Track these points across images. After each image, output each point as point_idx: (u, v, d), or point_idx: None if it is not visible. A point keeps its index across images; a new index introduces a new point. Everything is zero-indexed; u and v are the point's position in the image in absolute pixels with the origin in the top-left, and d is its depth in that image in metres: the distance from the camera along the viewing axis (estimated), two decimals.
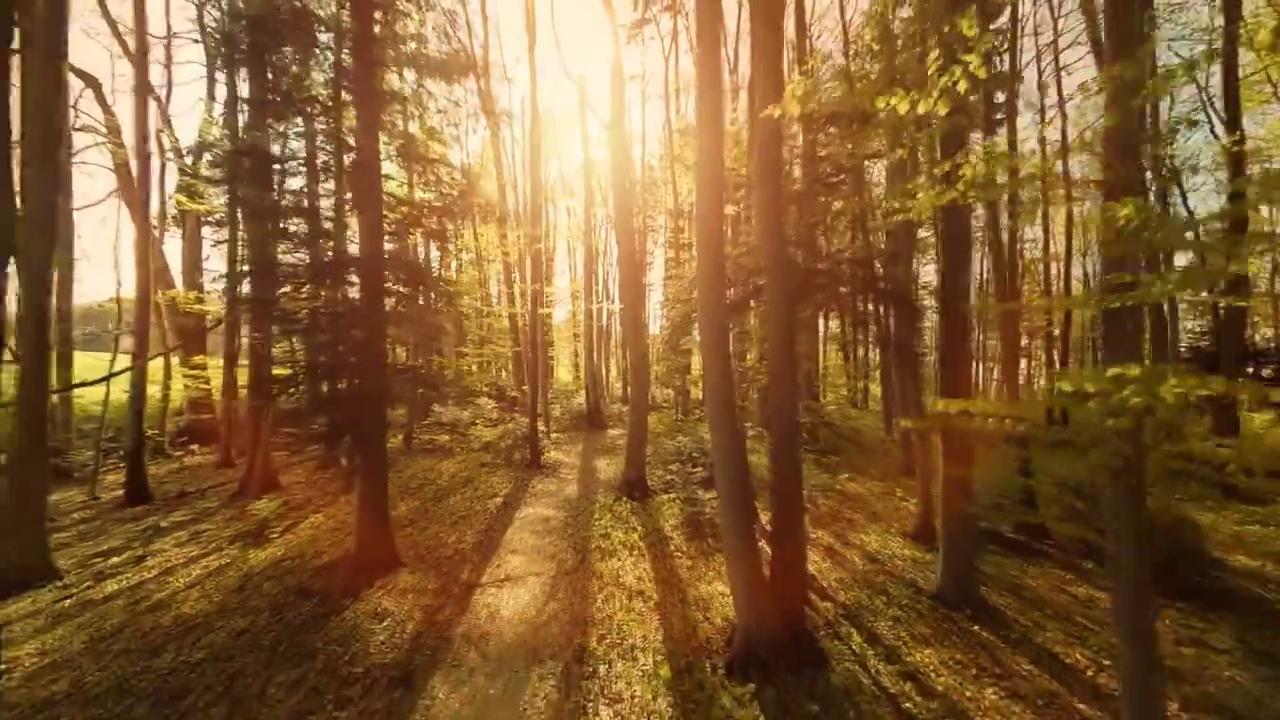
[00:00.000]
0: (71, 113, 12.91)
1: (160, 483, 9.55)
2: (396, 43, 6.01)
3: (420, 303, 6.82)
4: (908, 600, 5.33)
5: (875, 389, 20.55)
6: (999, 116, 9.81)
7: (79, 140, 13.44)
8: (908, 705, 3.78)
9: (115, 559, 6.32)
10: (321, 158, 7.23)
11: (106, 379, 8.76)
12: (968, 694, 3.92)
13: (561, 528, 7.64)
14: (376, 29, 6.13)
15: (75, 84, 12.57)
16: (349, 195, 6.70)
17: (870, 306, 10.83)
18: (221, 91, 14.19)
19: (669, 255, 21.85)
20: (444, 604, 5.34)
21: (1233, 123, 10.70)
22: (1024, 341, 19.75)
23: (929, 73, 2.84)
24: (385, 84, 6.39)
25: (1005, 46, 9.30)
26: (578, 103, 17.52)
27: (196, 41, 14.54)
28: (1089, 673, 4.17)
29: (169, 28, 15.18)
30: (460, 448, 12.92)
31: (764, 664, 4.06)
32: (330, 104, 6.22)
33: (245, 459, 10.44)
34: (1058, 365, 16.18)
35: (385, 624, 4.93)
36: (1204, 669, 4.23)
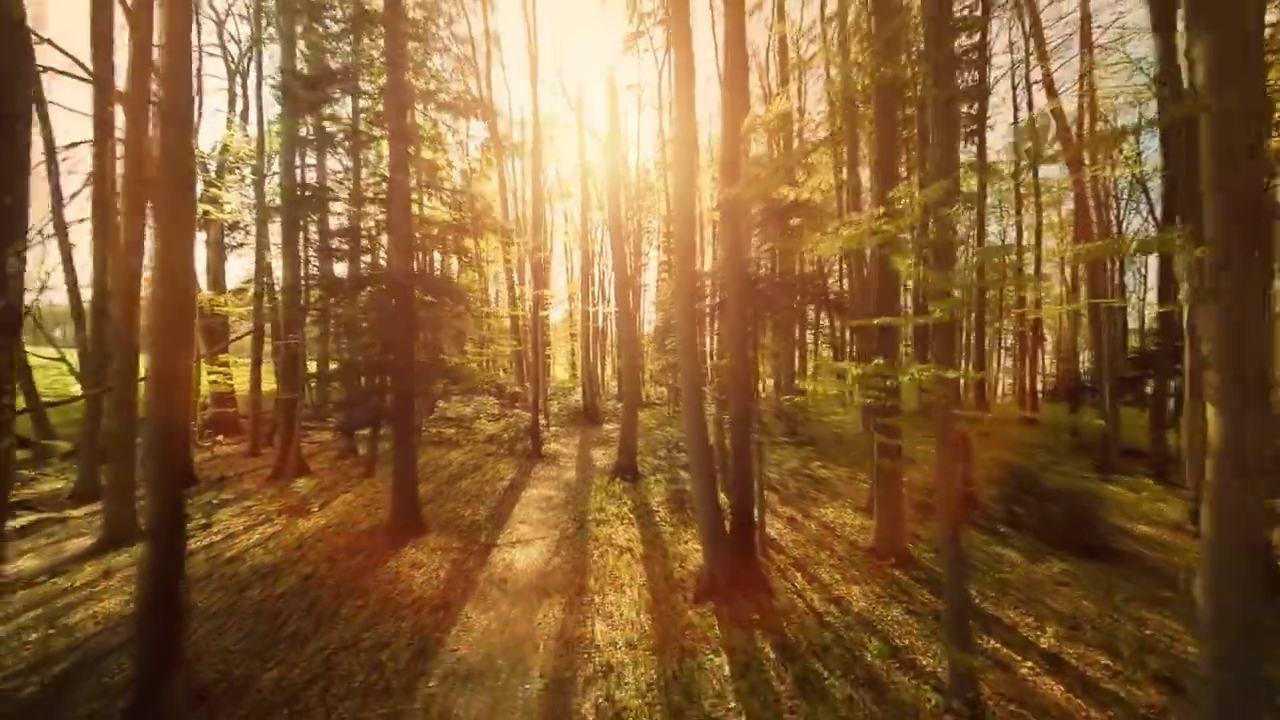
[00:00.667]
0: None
1: (199, 468, 10.77)
2: (426, 96, 7.25)
3: (443, 309, 8.07)
4: (846, 553, 6.65)
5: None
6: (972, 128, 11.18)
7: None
8: (829, 618, 5.08)
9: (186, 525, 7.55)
10: (351, 182, 8.47)
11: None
12: (877, 612, 5.22)
13: (562, 504, 8.93)
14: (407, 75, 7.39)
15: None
16: (382, 217, 7.93)
17: (823, 314, 12.15)
18: (238, 103, 15.52)
19: (662, 259, 23.13)
20: (467, 559, 6.62)
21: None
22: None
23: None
24: (411, 123, 7.65)
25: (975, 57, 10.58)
26: (576, 113, 18.80)
27: (215, 56, 15.86)
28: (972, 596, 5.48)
29: (200, 46, 16.38)
30: (466, 440, 14.17)
31: (722, 591, 5.36)
32: (368, 141, 7.46)
33: (271, 449, 11.69)
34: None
35: (422, 571, 6.21)
36: (1039, 586, 5.56)
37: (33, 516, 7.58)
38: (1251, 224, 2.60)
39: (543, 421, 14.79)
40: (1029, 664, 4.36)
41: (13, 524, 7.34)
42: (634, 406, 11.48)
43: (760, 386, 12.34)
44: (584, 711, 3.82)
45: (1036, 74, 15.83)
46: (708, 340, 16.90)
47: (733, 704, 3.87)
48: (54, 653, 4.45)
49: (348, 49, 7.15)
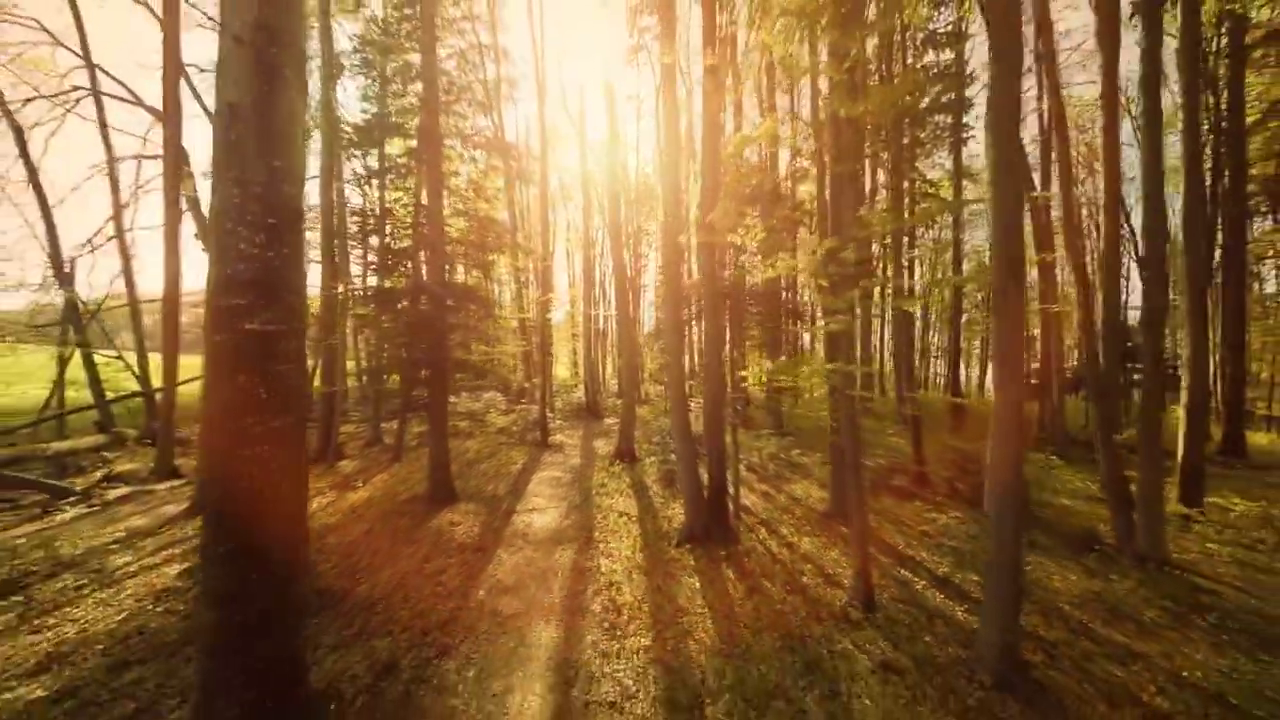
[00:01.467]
0: (143, 143, 15.77)
1: None
2: (459, 135, 8.88)
3: (469, 313, 9.70)
4: (804, 516, 8.26)
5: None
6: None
7: (153, 168, 16.23)
8: (780, 556, 6.69)
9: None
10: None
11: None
12: (818, 553, 6.82)
13: (570, 482, 10.55)
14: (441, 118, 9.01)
15: (146, 118, 15.43)
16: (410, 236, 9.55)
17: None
18: None
19: (659, 262, 24.76)
20: (494, 519, 8.24)
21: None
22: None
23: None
24: (443, 158, 9.28)
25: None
26: (578, 125, 20.40)
27: None
28: (898, 544, 7.09)
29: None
30: (479, 432, 15.80)
31: (699, 539, 6.98)
32: (408, 173, 9.09)
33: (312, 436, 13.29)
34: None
35: (459, 527, 7.83)
36: (954, 537, 7.16)
37: (127, 489, 9.21)
38: (1019, 271, 4.20)
39: (549, 415, 16.42)
40: (922, 583, 5.96)
41: (115, 493, 8.99)
42: (632, 403, 13.10)
43: (755, 384, 13.95)
44: (593, 608, 5.43)
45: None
46: (697, 337, 18.50)
47: (699, 602, 5.49)
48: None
49: (394, 96, 8.75)
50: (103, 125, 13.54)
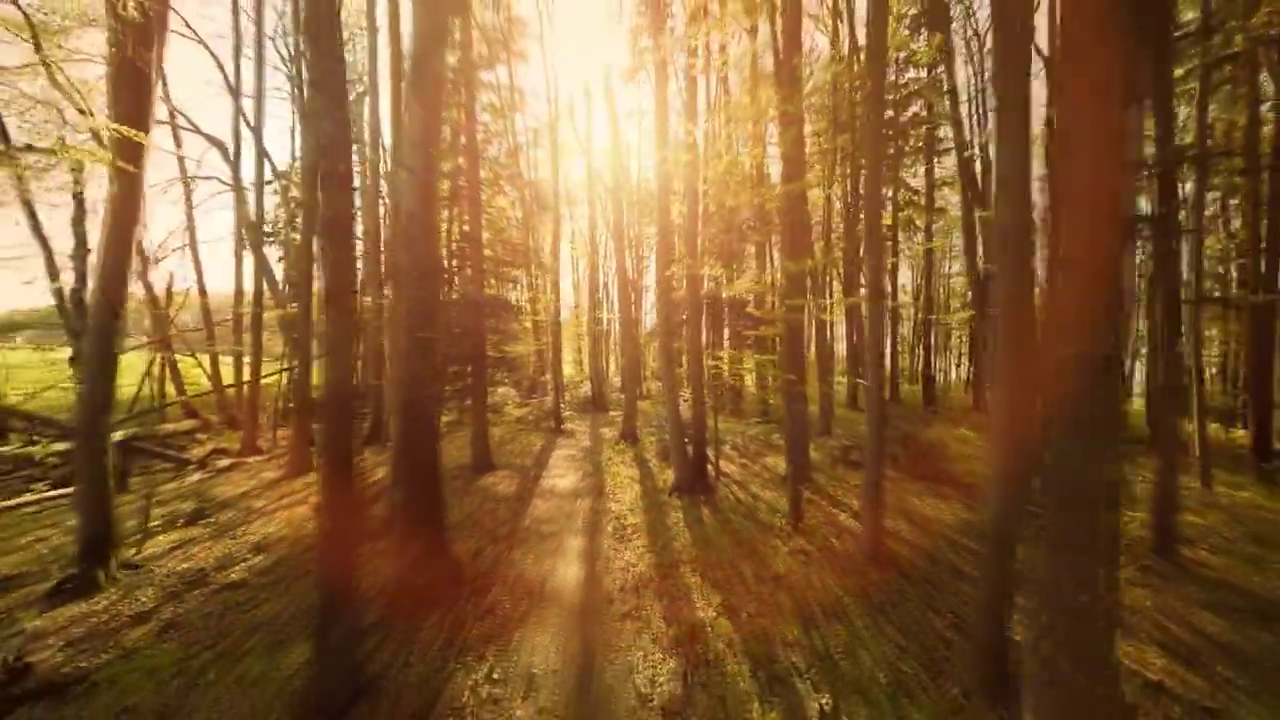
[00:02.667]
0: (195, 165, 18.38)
1: None
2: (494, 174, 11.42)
3: (498, 318, 12.24)
4: (769, 479, 10.79)
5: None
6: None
7: (208, 188, 18.83)
8: (744, 501, 9.22)
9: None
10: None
11: (289, 369, 14.20)
12: (774, 500, 9.34)
13: (583, 458, 13.10)
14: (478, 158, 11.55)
15: (202, 144, 18.03)
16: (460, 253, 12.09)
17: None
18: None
19: (657, 267, 27.26)
20: (526, 482, 10.79)
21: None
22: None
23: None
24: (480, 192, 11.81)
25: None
26: (585, 144, 22.95)
27: (282, 99, 20.09)
28: (837, 494, 9.60)
29: (260, 89, 20.65)
30: (499, 421, 18.36)
31: (684, 490, 9.52)
32: (451, 204, 11.63)
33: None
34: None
35: (500, 486, 10.38)
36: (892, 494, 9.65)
37: (228, 461, 11.78)
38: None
39: (561, 404, 18.97)
40: (843, 515, 8.49)
41: (221, 463, 11.56)
42: (633, 396, 15.67)
43: (729, 376, 16.50)
44: (607, 528, 7.97)
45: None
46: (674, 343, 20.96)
47: (681, 524, 8.03)
48: None
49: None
50: (179, 153, 16.12)
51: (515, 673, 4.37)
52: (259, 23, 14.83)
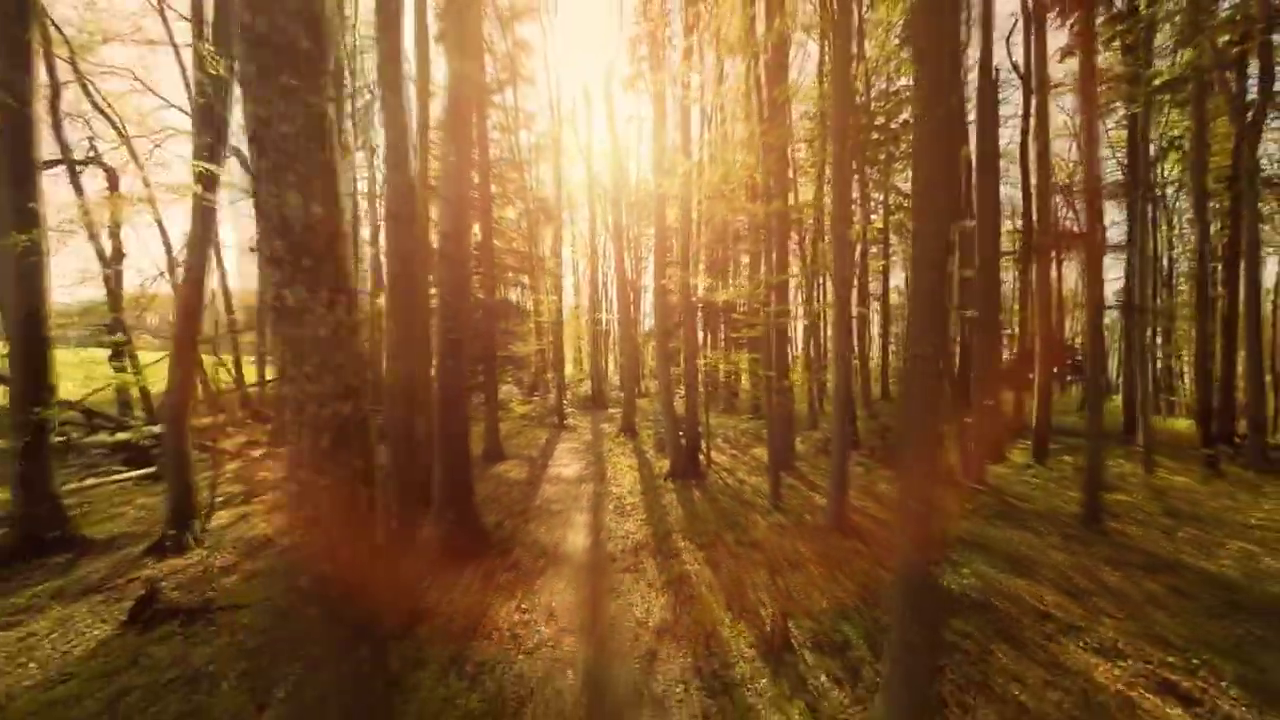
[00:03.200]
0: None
1: None
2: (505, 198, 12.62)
3: (508, 320, 13.42)
4: (755, 466, 12.00)
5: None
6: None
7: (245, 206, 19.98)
8: (732, 485, 10.42)
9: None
10: None
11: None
12: (758, 485, 10.54)
13: (586, 449, 14.29)
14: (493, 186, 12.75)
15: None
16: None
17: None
18: None
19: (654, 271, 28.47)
20: (535, 470, 11.98)
21: None
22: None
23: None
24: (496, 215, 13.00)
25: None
26: (586, 152, 24.16)
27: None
28: (815, 480, 10.80)
29: None
30: (505, 416, 19.54)
31: (678, 475, 10.73)
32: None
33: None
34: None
35: (511, 473, 11.57)
36: (857, 477, 10.87)
37: (260, 451, 12.95)
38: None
39: (564, 401, 20.17)
40: (819, 497, 9.68)
41: (256, 453, 12.73)
42: (632, 395, 16.90)
43: (723, 375, 17.71)
44: (609, 507, 9.16)
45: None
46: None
47: (675, 503, 9.23)
48: None
49: None
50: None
51: (539, 606, 5.56)
52: None
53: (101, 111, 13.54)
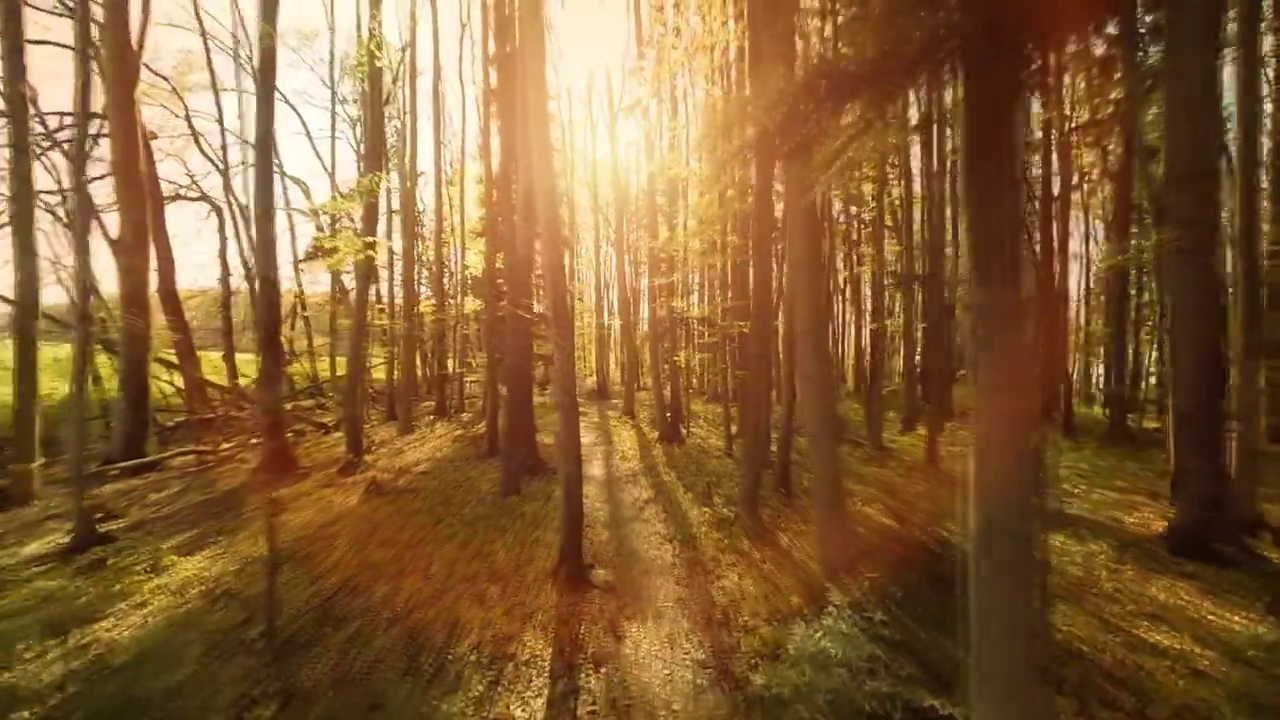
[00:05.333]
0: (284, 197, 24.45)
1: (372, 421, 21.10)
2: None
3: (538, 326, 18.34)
4: (723, 436, 16.96)
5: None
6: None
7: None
8: (705, 444, 15.36)
9: (395, 445, 17.90)
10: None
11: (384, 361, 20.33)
12: (719, 445, 15.48)
13: (594, 428, 19.23)
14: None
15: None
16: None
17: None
18: None
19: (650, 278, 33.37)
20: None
21: None
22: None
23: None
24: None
25: None
26: (591, 172, 29.09)
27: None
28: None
29: (333, 150, 26.70)
30: None
31: (664, 439, 15.70)
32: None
33: (429, 402, 22.01)
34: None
35: (546, 439, 16.51)
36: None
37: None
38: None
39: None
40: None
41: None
42: (632, 384, 21.88)
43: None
44: (615, 457, 14.09)
45: None
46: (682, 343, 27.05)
47: (661, 455, 14.18)
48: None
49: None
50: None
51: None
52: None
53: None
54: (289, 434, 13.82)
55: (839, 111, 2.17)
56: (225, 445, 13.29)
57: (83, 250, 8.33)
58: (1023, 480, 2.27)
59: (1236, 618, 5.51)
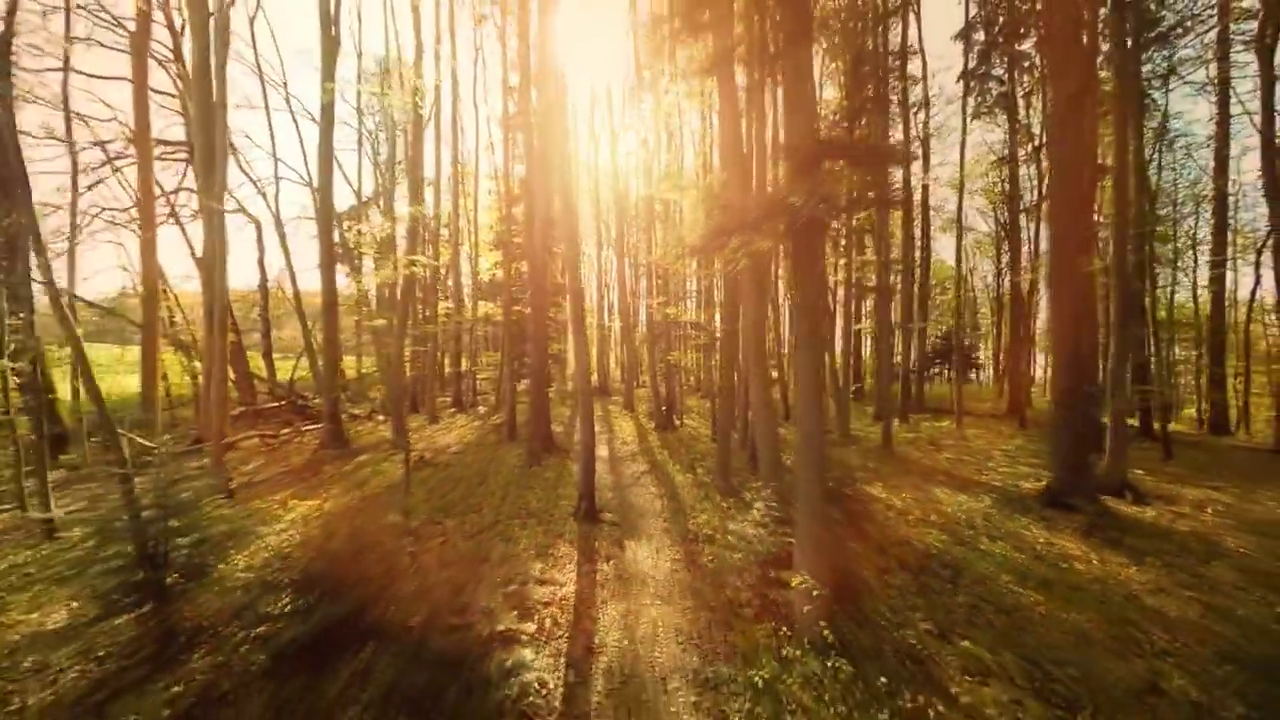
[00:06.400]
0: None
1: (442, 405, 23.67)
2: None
3: (553, 327, 20.90)
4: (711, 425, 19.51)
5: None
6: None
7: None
8: (695, 431, 17.91)
9: (425, 432, 20.46)
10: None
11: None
12: (708, 433, 18.01)
13: (597, 419, 21.73)
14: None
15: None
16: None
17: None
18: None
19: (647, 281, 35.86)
20: (567, 427, 19.47)
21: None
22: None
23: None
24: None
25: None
26: (593, 180, 31.61)
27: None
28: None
29: (360, 165, 29.17)
30: None
31: (660, 428, 18.26)
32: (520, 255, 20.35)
33: (446, 397, 24.57)
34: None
35: (556, 429, 19.06)
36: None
37: (383, 418, 20.42)
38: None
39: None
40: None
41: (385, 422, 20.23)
42: (631, 382, 24.47)
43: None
44: (616, 443, 16.64)
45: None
46: (678, 343, 29.59)
47: (656, 440, 16.73)
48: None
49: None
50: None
51: None
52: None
53: None
54: None
55: (725, 242, 4.74)
56: (284, 430, 15.84)
57: (222, 279, 10.93)
58: (817, 413, 4.82)
59: (1055, 539, 8.05)
